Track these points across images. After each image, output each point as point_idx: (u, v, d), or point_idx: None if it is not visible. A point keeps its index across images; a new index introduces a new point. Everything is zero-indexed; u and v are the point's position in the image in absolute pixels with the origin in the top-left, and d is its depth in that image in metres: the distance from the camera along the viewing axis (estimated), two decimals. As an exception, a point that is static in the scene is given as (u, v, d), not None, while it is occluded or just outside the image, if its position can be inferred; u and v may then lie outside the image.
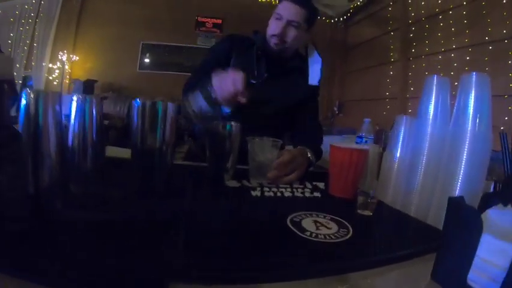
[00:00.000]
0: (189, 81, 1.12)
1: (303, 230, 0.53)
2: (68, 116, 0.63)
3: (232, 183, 0.76)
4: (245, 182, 0.78)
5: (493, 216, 0.42)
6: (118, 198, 0.59)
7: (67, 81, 3.99)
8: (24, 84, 3.40)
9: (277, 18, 1.08)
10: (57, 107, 0.57)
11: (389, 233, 0.59)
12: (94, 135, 0.63)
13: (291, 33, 1.07)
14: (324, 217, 0.60)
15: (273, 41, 1.09)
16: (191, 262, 0.38)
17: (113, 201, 0.58)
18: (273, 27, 1.08)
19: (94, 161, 0.63)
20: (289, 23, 1.06)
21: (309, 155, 0.96)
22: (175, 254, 0.40)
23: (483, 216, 0.43)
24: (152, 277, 0.35)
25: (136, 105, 0.63)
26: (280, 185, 0.78)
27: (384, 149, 0.83)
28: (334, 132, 3.14)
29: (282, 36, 1.07)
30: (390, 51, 2.56)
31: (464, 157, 0.55)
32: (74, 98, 0.63)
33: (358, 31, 3.31)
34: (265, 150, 0.78)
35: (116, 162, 0.76)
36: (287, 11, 1.06)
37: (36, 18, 3.70)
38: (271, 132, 0.90)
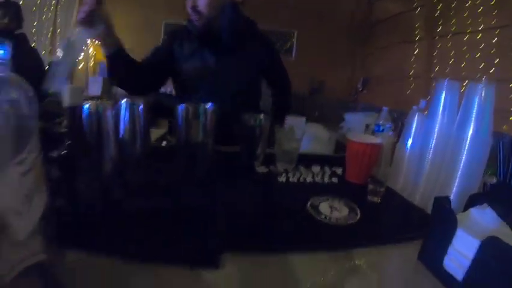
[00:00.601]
0: None
1: (320, 213, 0.65)
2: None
3: (262, 169, 0.88)
4: (272, 168, 0.90)
5: (475, 214, 0.51)
6: (165, 185, 0.73)
7: (92, 64, 4.03)
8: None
9: None
10: (109, 113, 0.68)
11: (391, 219, 0.70)
12: (142, 131, 0.77)
13: (206, 4, 1.06)
14: (339, 201, 0.71)
15: (193, 18, 1.09)
16: (232, 235, 0.53)
17: (161, 188, 0.71)
18: (188, 3, 1.07)
19: (143, 152, 0.77)
20: None
21: None
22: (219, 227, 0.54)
23: (467, 213, 0.53)
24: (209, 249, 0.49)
25: (180, 109, 0.74)
26: (302, 171, 0.89)
27: (399, 138, 0.91)
28: (358, 109, 3.12)
29: (194, 7, 1.06)
30: (415, 29, 2.47)
31: (463, 159, 0.63)
32: (123, 102, 0.75)
33: (382, 7, 3.16)
34: (291, 140, 0.89)
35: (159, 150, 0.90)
36: None
37: (58, 5, 3.73)
38: (246, 96, 1.05)
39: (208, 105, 0.80)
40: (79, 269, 0.41)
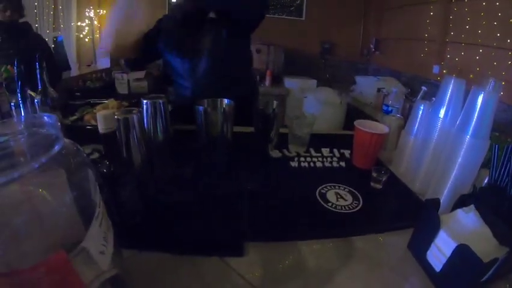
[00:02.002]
0: None
1: (327, 201, 0.76)
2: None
3: (275, 153, 0.98)
4: (285, 152, 0.99)
5: (459, 216, 0.60)
6: (190, 177, 0.83)
7: (98, 36, 3.94)
8: (56, 44, 3.45)
9: None
10: (135, 117, 0.75)
11: (389, 207, 0.79)
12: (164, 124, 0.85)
13: None
14: (344, 189, 0.81)
15: None
16: (253, 227, 0.64)
17: (187, 181, 0.82)
18: None
19: (166, 143, 0.87)
20: None
21: None
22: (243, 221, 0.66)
23: (453, 214, 0.61)
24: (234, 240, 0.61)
25: (200, 109, 0.82)
26: (313, 155, 0.98)
27: (405, 121, 0.97)
28: (370, 72, 3.06)
29: None
30: (431, -10, 2.33)
31: (460, 160, 0.69)
32: (144, 102, 0.83)
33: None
34: (302, 126, 0.97)
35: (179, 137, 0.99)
36: None
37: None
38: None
39: (226, 100, 0.87)
40: (132, 266, 0.52)
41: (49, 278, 0.32)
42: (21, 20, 2.20)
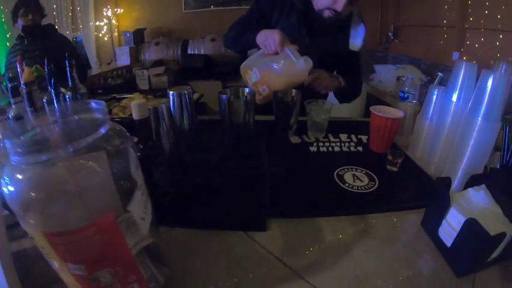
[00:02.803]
0: (232, 30, 1.30)
1: (344, 182, 0.80)
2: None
3: (295, 139, 1.02)
4: (305, 138, 1.03)
5: (470, 194, 0.63)
6: (214, 161, 0.89)
7: (117, 34, 4.06)
8: (76, 44, 3.52)
9: None
10: (164, 107, 0.81)
11: (404, 188, 0.82)
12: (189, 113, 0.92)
13: (347, 8, 1.09)
14: (361, 171, 0.85)
15: (326, 14, 1.11)
16: (275, 205, 0.70)
17: (212, 164, 0.88)
18: (331, 1, 1.08)
19: (192, 130, 0.93)
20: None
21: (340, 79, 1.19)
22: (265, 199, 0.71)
23: (464, 192, 0.64)
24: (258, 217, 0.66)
25: (224, 97, 0.87)
26: (332, 141, 1.02)
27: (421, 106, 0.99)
28: (389, 60, 3.01)
29: (339, 11, 1.08)
30: (449, -24, 2.27)
31: (472, 142, 0.71)
32: (170, 93, 0.89)
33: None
34: (320, 113, 1.01)
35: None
36: None
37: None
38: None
39: (247, 89, 0.92)
40: (166, 240, 0.58)
41: (98, 237, 0.37)
42: (44, 23, 2.31)
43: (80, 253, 0.38)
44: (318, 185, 0.80)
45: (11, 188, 0.35)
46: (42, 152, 0.34)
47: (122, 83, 3.30)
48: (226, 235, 0.62)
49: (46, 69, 1.07)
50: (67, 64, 1.06)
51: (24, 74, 1.18)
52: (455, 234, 0.57)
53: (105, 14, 3.89)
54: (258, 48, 1.15)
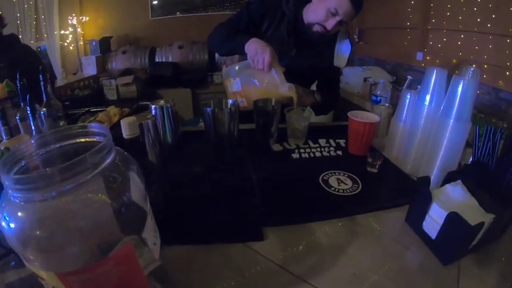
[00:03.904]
0: (219, 32, 1.26)
1: (330, 186, 0.83)
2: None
3: (277, 147, 1.05)
4: (286, 145, 1.07)
5: (448, 189, 0.69)
6: (201, 172, 0.90)
7: (82, 43, 3.93)
8: (39, 54, 3.38)
9: (332, 13, 1.11)
10: (150, 123, 0.81)
11: (385, 188, 0.87)
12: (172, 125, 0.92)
13: (336, 27, 1.14)
14: (344, 175, 0.89)
15: (316, 28, 1.15)
16: (268, 214, 0.72)
17: (198, 176, 0.89)
18: (323, 18, 1.12)
19: (175, 142, 0.93)
20: (340, 21, 1.12)
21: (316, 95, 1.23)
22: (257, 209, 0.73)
23: (442, 188, 0.70)
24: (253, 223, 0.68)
25: (208, 110, 0.89)
26: (312, 146, 1.06)
27: (395, 109, 1.05)
28: (355, 62, 3.13)
29: (328, 29, 1.13)
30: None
31: (445, 141, 0.78)
32: (153, 107, 0.90)
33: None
34: (300, 120, 1.04)
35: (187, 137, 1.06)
36: (344, 9, 1.09)
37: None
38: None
39: (230, 101, 0.94)
40: (166, 258, 0.57)
41: (117, 269, 0.37)
42: (7, 32, 2.19)
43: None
44: (305, 191, 0.83)
45: (13, 226, 0.33)
46: (44, 188, 0.32)
47: (90, 93, 3.18)
48: (225, 248, 0.64)
49: (18, 84, 1.02)
50: (41, 78, 1.01)
51: None
52: (438, 227, 0.62)
53: (70, 22, 3.75)
54: (244, 54, 1.14)
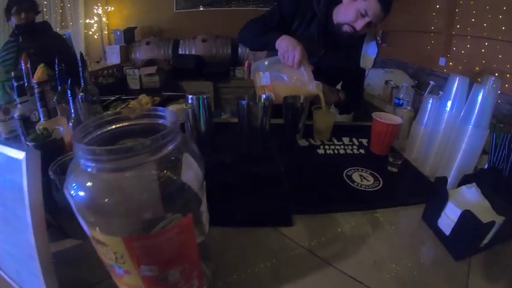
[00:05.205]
0: (251, 27, 1.32)
1: (353, 181, 0.90)
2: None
3: (303, 142, 1.12)
4: (311, 140, 1.13)
5: (464, 191, 0.74)
6: (231, 162, 0.97)
7: (106, 33, 4.02)
8: None
9: (362, 14, 1.16)
10: (190, 111, 0.88)
11: (405, 186, 0.93)
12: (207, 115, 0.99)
13: (365, 29, 1.19)
14: (366, 172, 0.95)
15: (345, 29, 1.20)
16: (296, 203, 0.79)
17: (230, 165, 0.96)
18: (352, 19, 1.17)
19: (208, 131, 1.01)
20: (369, 23, 1.17)
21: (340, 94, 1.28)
22: (287, 197, 0.80)
23: (459, 189, 0.75)
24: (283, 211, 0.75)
25: (243, 103, 0.95)
26: (336, 144, 1.12)
27: (416, 113, 1.10)
28: (377, 64, 3.13)
29: (357, 29, 1.18)
30: (437, -18, 2.38)
31: (463, 146, 0.83)
32: (190, 97, 0.97)
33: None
34: (326, 118, 1.11)
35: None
36: (374, 11, 1.14)
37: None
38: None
39: (264, 95, 1.01)
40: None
41: (178, 237, 0.41)
42: (39, 20, 2.30)
43: (158, 255, 0.41)
44: (331, 184, 0.90)
45: (82, 194, 0.36)
46: (118, 160, 0.35)
47: (113, 82, 3.29)
48: (256, 232, 0.71)
49: (57, 69, 1.08)
50: (80, 64, 1.06)
51: (37, 73, 1.19)
52: (452, 225, 0.68)
53: (95, 11, 3.85)
54: (274, 50, 1.19)
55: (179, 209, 0.42)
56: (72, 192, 0.37)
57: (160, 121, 0.46)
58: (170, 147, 0.39)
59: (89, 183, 0.36)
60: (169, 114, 0.45)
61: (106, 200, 0.37)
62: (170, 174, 0.40)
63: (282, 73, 1.17)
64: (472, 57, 2.13)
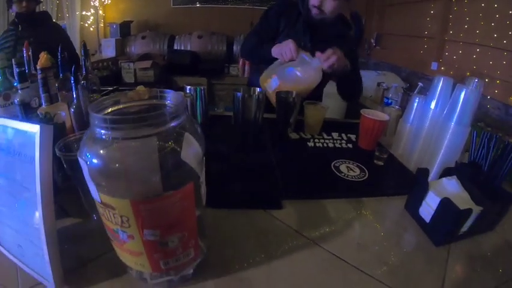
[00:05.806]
0: (248, 43, 1.44)
1: (340, 172, 0.95)
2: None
3: (294, 135, 1.16)
4: (302, 134, 1.18)
5: (444, 182, 0.79)
6: (226, 152, 1.01)
7: (102, 26, 4.02)
8: None
9: None
10: (188, 101, 0.92)
11: (389, 178, 0.98)
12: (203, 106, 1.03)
13: (330, 4, 1.24)
14: (353, 164, 1.00)
15: (313, 11, 1.28)
16: (286, 188, 0.83)
17: (224, 155, 1.00)
18: (316, 1, 1.24)
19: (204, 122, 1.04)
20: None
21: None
22: (278, 183, 0.85)
23: (439, 181, 0.80)
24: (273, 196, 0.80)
25: (238, 95, 0.99)
26: (325, 138, 1.17)
27: (403, 111, 1.15)
28: (370, 66, 3.19)
29: (321, 7, 1.25)
30: (432, -13, 2.45)
31: (446, 142, 0.88)
32: (188, 88, 1.00)
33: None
34: (317, 113, 1.15)
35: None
36: None
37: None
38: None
39: (258, 89, 1.05)
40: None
41: (180, 203, 0.44)
42: (39, 10, 2.31)
43: (161, 218, 0.44)
44: (319, 173, 0.95)
45: (95, 161, 0.40)
46: (132, 129, 0.39)
47: (108, 74, 3.29)
48: (248, 213, 0.75)
49: (59, 57, 1.10)
50: (83, 53, 1.09)
51: (41, 59, 1.20)
52: (432, 212, 0.72)
53: (92, 3, 3.84)
54: (273, 59, 1.28)
55: (181, 178, 0.45)
56: (86, 159, 0.40)
57: (167, 102, 0.50)
58: (173, 124, 0.43)
59: (102, 151, 0.41)
60: (175, 95, 0.49)
61: (117, 165, 0.41)
62: (174, 146, 0.43)
63: (287, 68, 1.22)
64: (463, 62, 2.19)
